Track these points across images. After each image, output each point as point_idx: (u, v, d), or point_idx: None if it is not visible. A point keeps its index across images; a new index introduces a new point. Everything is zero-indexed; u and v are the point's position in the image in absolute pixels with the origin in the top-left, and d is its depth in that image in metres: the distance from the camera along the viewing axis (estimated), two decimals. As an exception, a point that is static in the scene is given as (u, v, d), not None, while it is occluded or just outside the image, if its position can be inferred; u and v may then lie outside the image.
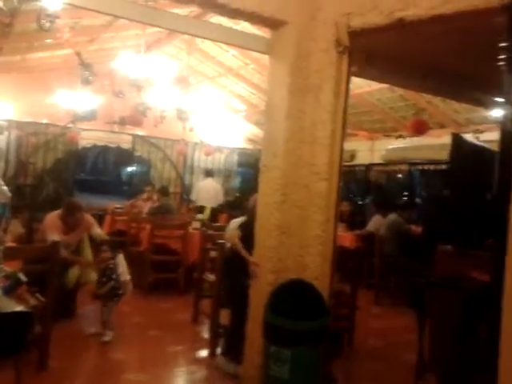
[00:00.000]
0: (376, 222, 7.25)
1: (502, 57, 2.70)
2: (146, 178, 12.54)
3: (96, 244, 4.78)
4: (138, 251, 6.17)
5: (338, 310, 3.68)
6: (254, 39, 3.77)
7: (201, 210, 9.06)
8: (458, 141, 3.48)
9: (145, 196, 8.50)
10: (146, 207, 7.82)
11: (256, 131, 11.47)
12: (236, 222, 4.15)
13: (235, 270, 3.73)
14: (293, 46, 3.35)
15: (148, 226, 6.16)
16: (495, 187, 2.85)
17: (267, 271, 3.30)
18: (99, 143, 10.91)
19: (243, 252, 3.60)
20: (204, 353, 4.09)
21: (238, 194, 11.60)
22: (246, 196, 6.15)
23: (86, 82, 7.41)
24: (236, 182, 12.78)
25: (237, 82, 10.34)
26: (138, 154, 11.25)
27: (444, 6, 2.74)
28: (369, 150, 9.75)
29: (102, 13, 3.58)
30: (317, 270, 3.25)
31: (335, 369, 3.53)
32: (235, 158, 12.40)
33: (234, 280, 3.81)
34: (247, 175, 12.81)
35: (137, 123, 9.27)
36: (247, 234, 3.63)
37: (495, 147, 2.94)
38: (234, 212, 6.96)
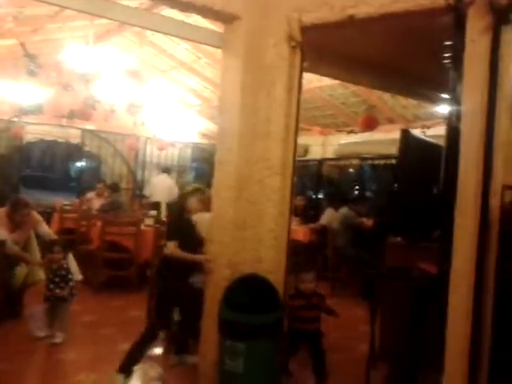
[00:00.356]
0: (329, 216, 7.38)
1: (448, 55, 2.80)
2: (97, 173, 12.20)
3: (44, 243, 4.62)
4: (89, 249, 6.00)
5: (312, 312, 3.51)
6: (207, 33, 3.73)
7: (156, 206, 8.93)
8: (406, 136, 3.57)
9: (95, 193, 8.27)
10: (96, 204, 7.62)
11: (210, 126, 11.39)
12: None
13: (178, 269, 3.58)
14: (245, 41, 3.34)
15: (99, 224, 6.00)
16: (442, 181, 2.95)
17: (222, 266, 3.28)
18: (46, 138, 10.51)
19: (189, 257, 3.53)
20: (158, 350, 4.03)
21: (191, 190, 11.46)
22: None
23: (32, 73, 7.11)
24: (190, 177, 12.66)
25: (190, 76, 10.22)
26: (87, 149, 10.92)
27: (393, 4, 2.81)
28: (322, 145, 9.90)
29: (46, 2, 3.43)
30: (271, 264, 3.27)
31: (292, 362, 3.58)
32: (189, 152, 12.27)
33: (177, 279, 3.59)
34: (202, 170, 12.70)
35: (86, 117, 8.99)
36: (181, 235, 3.58)
37: (441, 142, 3.05)
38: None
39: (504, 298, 2.35)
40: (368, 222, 6.97)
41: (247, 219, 3.30)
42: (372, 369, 3.20)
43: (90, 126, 10.15)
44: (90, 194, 8.42)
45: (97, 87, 7.18)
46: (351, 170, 10.35)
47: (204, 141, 12.01)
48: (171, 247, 3.56)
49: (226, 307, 3.00)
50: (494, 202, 2.41)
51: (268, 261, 3.27)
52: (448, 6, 2.58)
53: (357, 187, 10.16)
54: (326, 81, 7.63)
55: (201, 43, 4.80)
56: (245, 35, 3.34)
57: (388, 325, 3.73)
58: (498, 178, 2.42)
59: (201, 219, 4.03)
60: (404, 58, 3.95)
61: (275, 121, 3.28)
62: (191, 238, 3.64)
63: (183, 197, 3.95)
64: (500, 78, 2.42)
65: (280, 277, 3.30)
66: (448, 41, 2.75)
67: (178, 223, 3.87)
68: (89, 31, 7.06)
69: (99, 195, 8.06)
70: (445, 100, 3.78)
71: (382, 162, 8.66)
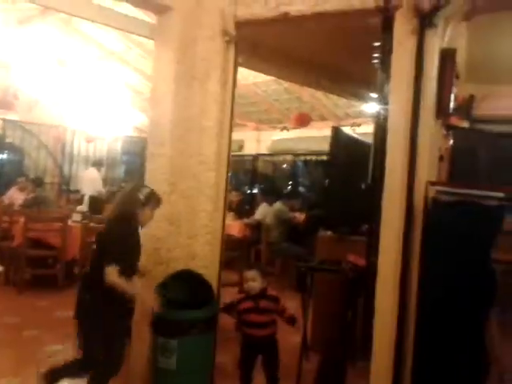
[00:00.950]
0: (263, 210, 7.45)
1: (377, 55, 2.91)
2: (19, 167, 11.51)
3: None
4: (11, 247, 5.67)
5: (262, 316, 3.05)
6: (138, 23, 3.60)
7: (81, 200, 8.60)
8: (337, 133, 3.68)
9: (17, 187, 7.82)
10: (19, 199, 7.20)
11: (143, 118, 11.11)
12: None
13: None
14: (178, 33, 3.27)
15: (21, 220, 5.67)
16: (370, 177, 3.07)
17: (155, 263, 3.21)
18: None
19: (130, 290, 2.72)
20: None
21: (122, 184, 11.15)
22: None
23: None
24: (121, 170, 12.27)
25: (120, 67, 9.89)
26: (9, 140, 10.26)
27: (325, 3, 2.87)
28: (256, 141, 9.98)
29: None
30: (205, 259, 3.24)
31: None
32: (119, 145, 11.89)
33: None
34: (132, 164, 12.36)
35: (8, 107, 8.45)
36: (126, 256, 2.74)
37: (370, 140, 3.17)
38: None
39: (428, 288, 2.48)
40: (300, 216, 7.12)
41: (181, 214, 3.25)
42: (304, 359, 3.27)
43: (12, 116, 9.54)
44: (12, 189, 7.95)
45: (18, 75, 6.77)
46: (285, 165, 10.52)
47: (137, 133, 11.69)
48: (113, 275, 2.61)
49: (159, 303, 2.94)
50: (419, 197, 2.53)
51: (202, 256, 3.24)
52: (377, 9, 2.68)
53: (290, 182, 10.35)
54: (262, 77, 7.69)
55: (131, 33, 4.65)
56: (178, 27, 3.27)
57: (319, 315, 3.84)
58: (423, 174, 2.55)
59: None
60: (336, 57, 4.06)
61: (209, 115, 3.25)
62: (135, 259, 2.86)
63: (134, 204, 2.82)
64: (424, 80, 2.54)
65: (214, 272, 3.28)
66: (377, 42, 2.86)
67: (126, 240, 2.77)
68: (9, 15, 6.62)
69: (22, 190, 7.63)
70: (373, 99, 3.93)
71: (315, 158, 8.88)
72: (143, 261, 3.02)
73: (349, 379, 2.99)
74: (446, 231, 2.46)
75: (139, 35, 3.93)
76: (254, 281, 3.08)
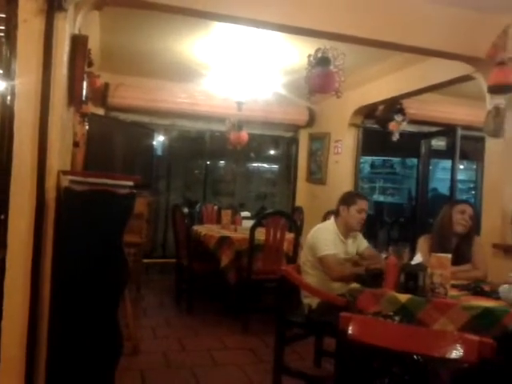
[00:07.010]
0: None
1: (2, 28, 2.62)
2: None
3: None
4: None
5: None
6: None
7: None
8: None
9: None
10: None
11: None
12: None
13: None
14: None
15: None
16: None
17: None
18: None
19: None
20: None
21: None
22: None
23: None
24: None
25: None
26: None
27: None
28: None
29: None
30: None
31: None
32: None
33: None
34: None
35: None
36: None
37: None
38: None
39: (63, 278, 2.42)
40: None
41: None
42: None
43: None
44: None
45: None
46: None
47: None
48: None
49: None
50: (51, 186, 2.43)
51: None
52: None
53: None
54: None
55: None
56: None
57: None
58: (55, 162, 2.45)
59: None
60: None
61: None
62: None
63: None
64: (55, 65, 2.42)
65: None
66: (1, 14, 2.57)
67: None
68: None
69: None
70: None
71: None
72: None
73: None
74: (81, 220, 2.42)
75: None
76: None
